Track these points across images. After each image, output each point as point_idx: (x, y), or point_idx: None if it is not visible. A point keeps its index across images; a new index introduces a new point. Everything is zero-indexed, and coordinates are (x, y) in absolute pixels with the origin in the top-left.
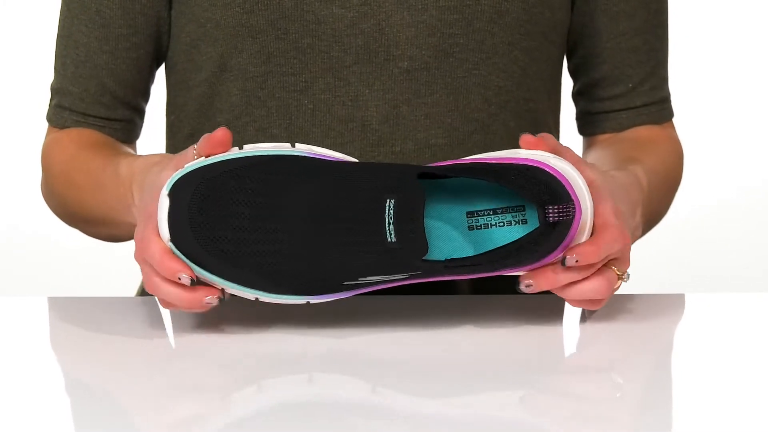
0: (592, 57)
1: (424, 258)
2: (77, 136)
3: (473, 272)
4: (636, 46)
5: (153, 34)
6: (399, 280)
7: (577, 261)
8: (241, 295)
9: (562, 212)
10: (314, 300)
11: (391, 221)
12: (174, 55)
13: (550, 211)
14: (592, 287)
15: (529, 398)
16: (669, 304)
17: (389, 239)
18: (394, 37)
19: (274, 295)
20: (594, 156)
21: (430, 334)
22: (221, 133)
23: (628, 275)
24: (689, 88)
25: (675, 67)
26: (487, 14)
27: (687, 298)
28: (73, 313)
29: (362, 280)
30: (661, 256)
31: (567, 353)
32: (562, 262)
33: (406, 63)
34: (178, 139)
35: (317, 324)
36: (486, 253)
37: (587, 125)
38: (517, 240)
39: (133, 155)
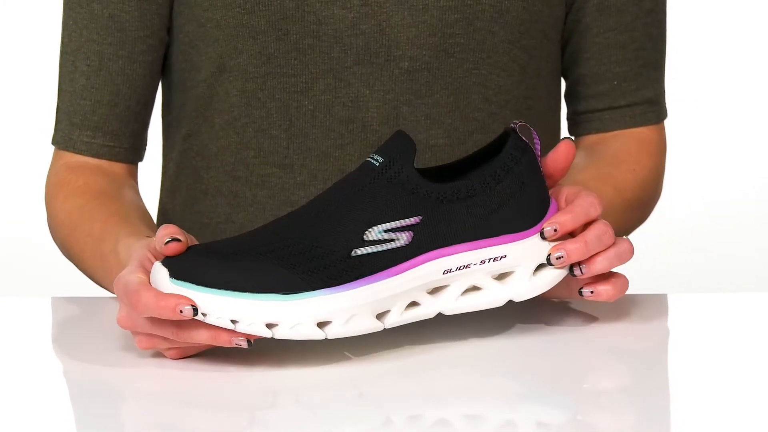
0: (581, 52)
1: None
2: (84, 184)
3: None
4: (623, 42)
5: (164, 36)
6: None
7: (555, 230)
8: (252, 321)
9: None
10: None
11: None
12: (171, 54)
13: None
14: (611, 255)
15: (511, 399)
16: (651, 305)
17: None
18: (395, 37)
19: (289, 296)
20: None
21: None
22: (174, 246)
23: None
24: (678, 90)
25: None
26: (487, 13)
27: (669, 299)
28: (76, 313)
29: (366, 235)
30: (643, 257)
31: (549, 354)
32: (541, 234)
33: (406, 63)
34: (174, 139)
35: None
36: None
37: (573, 126)
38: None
39: (128, 234)
